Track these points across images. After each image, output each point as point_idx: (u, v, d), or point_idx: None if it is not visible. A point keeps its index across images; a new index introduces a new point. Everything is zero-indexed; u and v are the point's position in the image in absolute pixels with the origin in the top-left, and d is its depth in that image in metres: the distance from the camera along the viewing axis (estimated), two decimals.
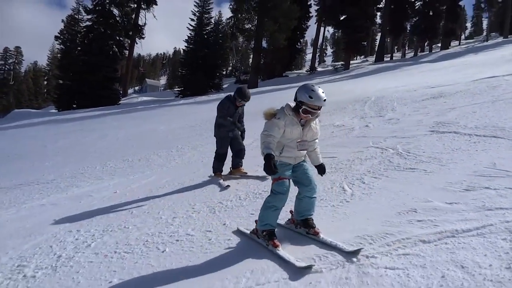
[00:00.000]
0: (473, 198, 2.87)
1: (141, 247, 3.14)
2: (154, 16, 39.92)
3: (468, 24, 70.41)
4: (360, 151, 5.21)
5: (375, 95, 11.06)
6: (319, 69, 41.12)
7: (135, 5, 37.54)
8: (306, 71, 41.45)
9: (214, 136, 5.41)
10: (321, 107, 2.72)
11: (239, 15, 28.24)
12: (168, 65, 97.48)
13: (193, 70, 34.26)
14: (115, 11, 35.29)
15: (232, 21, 56.64)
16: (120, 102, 33.58)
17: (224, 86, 36.48)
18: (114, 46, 35.01)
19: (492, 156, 3.81)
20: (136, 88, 65.64)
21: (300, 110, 2.72)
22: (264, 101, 14.57)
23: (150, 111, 20.45)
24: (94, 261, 2.98)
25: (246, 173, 5.28)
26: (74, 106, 32.43)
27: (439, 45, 38.47)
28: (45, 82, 75.40)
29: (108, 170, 7.56)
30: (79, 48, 34.18)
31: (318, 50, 44.46)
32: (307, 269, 2.31)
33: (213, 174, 5.37)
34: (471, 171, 3.50)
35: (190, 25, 36.66)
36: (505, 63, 13.53)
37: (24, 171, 8.84)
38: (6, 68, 67.85)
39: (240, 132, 5.37)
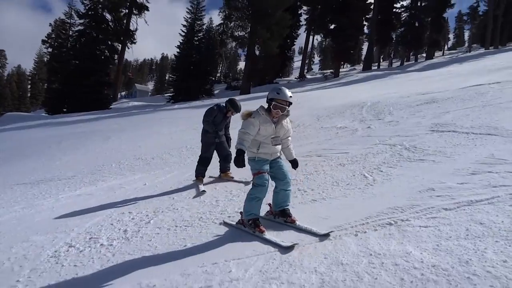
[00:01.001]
0: (479, 180, 3.47)
1: (198, 221, 3.62)
2: (146, 22, 40.36)
3: (451, 36, 73.27)
4: (369, 147, 5.79)
5: (371, 101, 11.66)
6: (308, 76, 42.10)
7: (127, 11, 37.87)
8: (295, 78, 42.35)
9: (201, 141, 5.56)
10: (289, 103, 3.19)
11: (232, 22, 28.74)
12: (156, 71, 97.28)
13: (185, 76, 34.67)
14: (108, 16, 35.56)
15: (222, 28, 57.40)
16: (111, 106, 33.66)
17: (215, 92, 36.97)
18: (106, 51, 35.15)
19: (490, 149, 4.44)
20: (123, 93, 65.30)
21: (271, 107, 3.18)
22: (255, 106, 15.12)
23: (147, 115, 20.72)
24: (161, 233, 3.44)
25: (233, 177, 5.40)
26: (64, 110, 32.32)
27: (424, 55, 40.03)
28: (29, 86, 74.27)
29: (125, 167, 7.93)
30: (70, 52, 34.12)
31: (304, 58, 45.50)
32: (290, 248, 2.70)
33: (195, 178, 5.47)
34: (473, 160, 4.12)
35: (182, 31, 37.15)
36: (489, 72, 14.46)
37: (38, 169, 9.10)
38: None
39: (225, 139, 5.56)
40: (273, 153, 3.32)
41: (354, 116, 9.76)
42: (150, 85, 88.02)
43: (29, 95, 71.79)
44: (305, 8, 38.43)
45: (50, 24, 51.58)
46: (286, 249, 2.71)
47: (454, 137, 5.35)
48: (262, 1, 26.34)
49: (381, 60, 49.95)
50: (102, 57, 34.33)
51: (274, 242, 2.86)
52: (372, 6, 33.91)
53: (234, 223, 3.43)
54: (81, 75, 31.82)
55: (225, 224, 3.52)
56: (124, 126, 15.84)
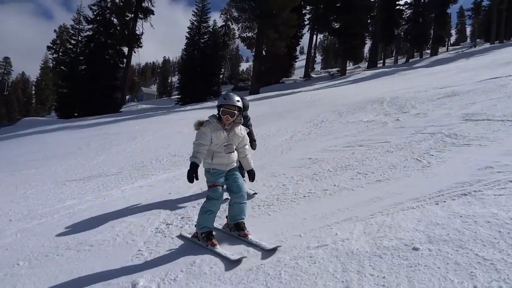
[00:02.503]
0: None
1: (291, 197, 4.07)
2: (152, 26, 40.81)
3: (453, 31, 73.72)
4: (409, 136, 6.18)
5: (389, 96, 12.04)
6: (313, 75, 42.56)
7: (132, 15, 38.35)
8: (300, 77, 42.81)
9: None
10: (237, 107, 3.17)
11: (240, 23, 29.21)
12: (159, 74, 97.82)
13: (191, 78, 35.17)
14: (115, 21, 36.06)
15: (224, 30, 57.81)
16: (121, 110, 34.12)
17: (223, 93, 37.42)
18: (114, 55, 35.64)
19: None
20: (128, 96, 65.93)
21: (220, 113, 3.18)
22: (272, 104, 15.65)
23: (163, 116, 21.12)
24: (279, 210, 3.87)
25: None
26: (75, 114, 32.80)
27: (428, 51, 40.47)
28: (33, 92, 74.84)
29: (168, 162, 8.32)
30: (80, 57, 34.61)
31: (308, 57, 45.99)
32: (238, 262, 2.80)
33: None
34: None
35: (188, 33, 37.68)
36: (500, 66, 14.82)
37: (79, 168, 9.50)
38: None
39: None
40: (228, 163, 3.28)
41: (377, 111, 10.12)
42: (153, 88, 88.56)
43: (33, 101, 72.43)
44: (308, 7, 38.98)
45: (55, 31, 52.24)
46: (234, 263, 2.80)
47: (491, 124, 5.74)
48: (269, 2, 26.81)
49: (383, 57, 50.44)
50: (111, 62, 34.82)
51: (224, 256, 2.93)
52: (376, 4, 34.40)
53: (190, 236, 3.44)
54: (90, 80, 32.34)
55: (181, 237, 3.54)
56: (146, 128, 16.24)
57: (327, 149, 6.57)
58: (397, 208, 3.20)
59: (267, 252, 2.88)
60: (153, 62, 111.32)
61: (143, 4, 38.38)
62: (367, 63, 41.21)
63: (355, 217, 3.18)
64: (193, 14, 37.62)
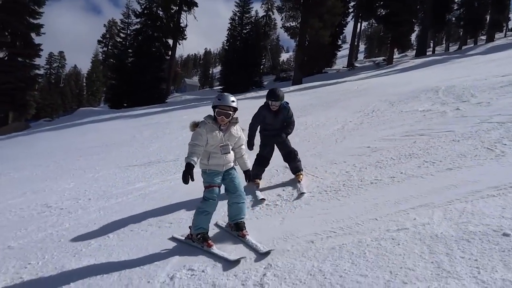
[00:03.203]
0: None
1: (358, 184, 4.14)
2: (195, 18, 41.57)
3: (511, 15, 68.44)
4: (474, 126, 5.92)
5: (444, 85, 11.48)
6: (356, 65, 41.41)
7: (177, 8, 39.26)
8: (343, 67, 41.81)
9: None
10: (233, 108, 3.16)
11: (283, 13, 28.99)
12: (200, 65, 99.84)
13: (234, 69, 35.56)
14: (161, 14, 37.18)
15: (265, 20, 57.66)
16: (166, 100, 35.35)
17: (265, 83, 37.55)
18: (161, 47, 36.84)
19: None
20: (171, 88, 68.12)
21: (215, 114, 3.17)
22: (317, 94, 15.47)
23: (210, 107, 21.64)
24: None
25: (299, 181, 4.72)
26: (125, 104, 34.42)
27: (483, 37, 37.87)
28: (84, 84, 79.26)
29: None
30: (129, 50, 36.17)
31: (352, 46, 44.71)
32: (237, 262, 2.80)
33: (251, 182, 4.70)
34: None
35: (231, 24, 38.03)
36: None
37: (137, 154, 10.04)
38: (51, 72, 72.11)
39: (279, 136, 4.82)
40: (225, 164, 3.26)
41: (432, 100, 9.70)
42: (195, 80, 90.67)
43: (84, 92, 76.85)
44: None
45: (105, 25, 54.87)
46: (232, 263, 2.81)
47: None
48: None
49: (432, 45, 47.90)
50: (157, 54, 36.02)
51: (222, 256, 2.93)
52: None
53: (183, 238, 3.41)
54: (138, 72, 33.72)
55: (174, 239, 3.53)
56: (194, 117, 16.71)
57: (384, 138, 6.48)
58: (476, 196, 3.14)
59: (261, 255, 2.88)
60: (194, 54, 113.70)
61: None
62: (414, 51, 39.33)
63: (431, 203, 3.16)
64: (235, 5, 37.91)
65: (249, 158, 3.59)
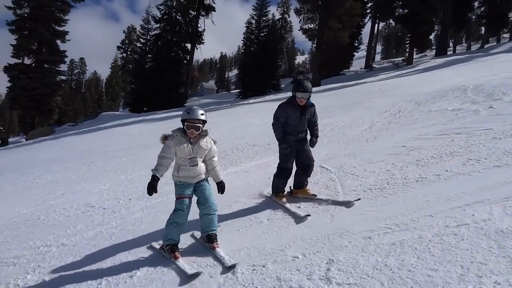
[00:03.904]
0: None
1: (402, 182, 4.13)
2: (213, 22, 42.00)
3: None
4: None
5: (471, 84, 11.26)
6: (374, 66, 41.01)
7: (195, 13, 39.78)
8: (360, 68, 41.48)
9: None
10: (202, 121, 3.20)
11: (302, 15, 29.01)
12: (216, 69, 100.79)
13: (252, 72, 35.67)
14: (180, 19, 37.76)
15: (280, 23, 57.78)
16: (185, 104, 35.77)
17: (282, 86, 37.56)
18: (180, 52, 37.37)
19: None
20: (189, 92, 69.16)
21: (185, 127, 3.20)
22: (338, 96, 15.37)
23: (228, 110, 21.76)
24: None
25: (315, 195, 4.23)
26: (145, 109, 34.99)
27: (506, 35, 36.93)
28: (103, 89, 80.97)
29: (250, 151, 8.60)
30: (149, 55, 36.84)
31: (370, 47, 44.33)
32: (195, 276, 2.86)
33: (273, 195, 4.43)
34: None
35: (248, 28, 38.30)
36: None
37: None
38: (72, 78, 74.09)
39: (310, 141, 4.29)
40: (195, 176, 3.30)
41: (461, 99, 9.52)
42: (211, 83, 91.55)
43: (103, 97, 78.60)
44: None
45: (124, 31, 56.01)
46: (189, 277, 2.86)
47: None
48: None
49: (453, 44, 47.00)
50: (176, 58, 36.53)
51: (182, 269, 2.99)
52: None
53: (159, 247, 3.47)
54: (158, 76, 34.26)
55: (151, 248, 3.61)
56: (216, 120, 16.92)
57: (419, 138, 6.40)
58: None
59: (226, 268, 2.92)
60: (210, 58, 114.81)
61: (205, 2, 39.66)
62: (434, 51, 38.66)
63: (486, 200, 3.13)
64: (253, 9, 38.13)
65: (221, 171, 3.62)
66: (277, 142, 4.20)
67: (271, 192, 4.43)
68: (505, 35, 38.60)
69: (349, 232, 3.05)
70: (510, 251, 2.26)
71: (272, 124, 4.22)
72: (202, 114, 3.23)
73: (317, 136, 4.31)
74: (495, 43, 35.02)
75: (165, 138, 3.32)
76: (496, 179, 3.59)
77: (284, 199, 4.16)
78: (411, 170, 4.50)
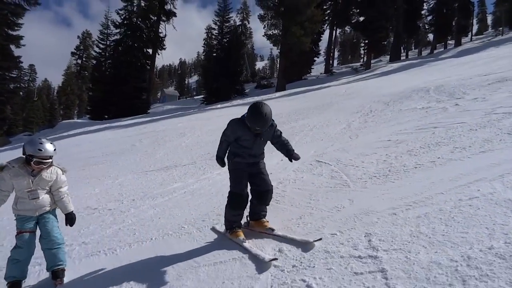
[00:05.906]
0: None
1: (402, 169, 4.49)
2: (174, 28, 41.61)
3: (474, 20, 72.86)
4: (483, 117, 6.42)
5: (432, 85, 12.17)
6: (334, 70, 42.71)
7: (156, 18, 39.23)
8: (321, 73, 42.99)
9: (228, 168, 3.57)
10: (51, 156, 3.08)
11: (265, 21, 29.70)
12: (175, 76, 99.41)
13: (216, 77, 35.80)
14: (141, 24, 37.04)
15: (240, 29, 58.45)
16: (148, 111, 35.06)
17: (246, 91, 38.00)
18: (141, 58, 36.62)
19: None
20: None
21: (32, 163, 3.00)
22: (306, 99, 15.96)
23: (198, 115, 21.63)
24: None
25: (273, 229, 3.43)
26: (106, 116, 33.82)
27: (450, 42, 40.18)
28: (55, 97, 76.86)
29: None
30: (109, 61, 35.74)
31: (329, 53, 46.15)
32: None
33: (227, 233, 3.54)
34: None
35: (212, 34, 38.49)
36: None
37: (145, 161, 9.97)
38: (22, 86, 69.44)
39: (293, 156, 3.56)
40: (37, 208, 3.11)
41: (426, 99, 10.24)
42: (171, 89, 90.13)
43: (56, 106, 74.56)
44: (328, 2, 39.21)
45: (78, 37, 53.85)
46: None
47: None
48: None
49: (405, 50, 50.14)
50: (138, 64, 35.78)
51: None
52: None
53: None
54: (119, 82, 33.34)
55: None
56: (189, 125, 16.84)
57: (400, 133, 6.90)
58: None
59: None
60: (169, 64, 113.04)
61: (165, 7, 39.25)
62: (388, 56, 41.11)
63: (484, 178, 3.57)
64: (215, 14, 38.40)
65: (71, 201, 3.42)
66: (234, 157, 3.49)
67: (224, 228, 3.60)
68: (450, 42, 42.01)
69: (374, 211, 3.35)
70: None
71: (220, 139, 3.62)
72: (54, 150, 3.10)
73: (293, 151, 3.56)
74: (442, 49, 37.97)
75: (2, 169, 3.04)
76: (486, 162, 4.07)
77: (242, 237, 3.35)
78: (406, 159, 4.93)
